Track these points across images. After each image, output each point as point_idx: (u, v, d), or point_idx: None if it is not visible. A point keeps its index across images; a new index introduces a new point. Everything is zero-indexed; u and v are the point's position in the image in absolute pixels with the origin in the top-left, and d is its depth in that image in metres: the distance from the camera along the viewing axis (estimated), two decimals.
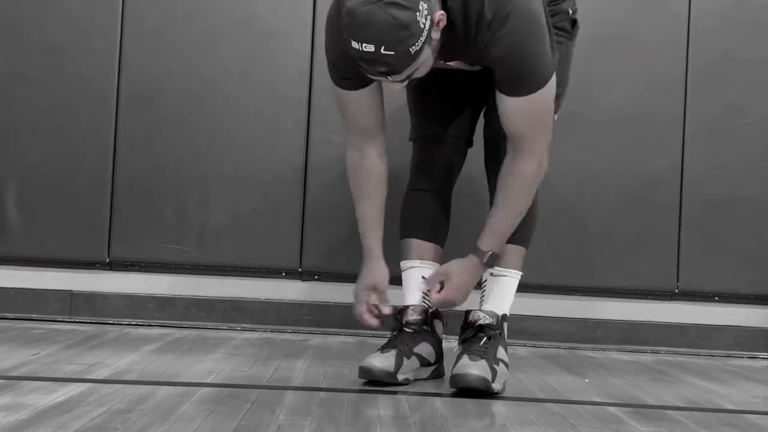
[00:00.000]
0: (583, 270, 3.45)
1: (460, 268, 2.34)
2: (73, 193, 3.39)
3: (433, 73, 2.23)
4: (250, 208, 3.42)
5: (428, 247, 2.51)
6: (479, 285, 2.45)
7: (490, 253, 2.32)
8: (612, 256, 3.45)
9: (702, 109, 3.49)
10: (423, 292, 2.42)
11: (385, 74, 2.09)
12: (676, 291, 3.47)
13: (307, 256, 3.43)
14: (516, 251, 2.45)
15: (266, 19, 3.46)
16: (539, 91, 2.21)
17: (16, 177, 3.39)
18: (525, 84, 2.20)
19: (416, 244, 2.50)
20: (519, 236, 2.43)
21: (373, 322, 2.38)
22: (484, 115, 2.54)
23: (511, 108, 2.23)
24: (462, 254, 2.36)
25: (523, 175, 2.29)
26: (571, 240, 3.43)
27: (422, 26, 2.03)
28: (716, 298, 3.50)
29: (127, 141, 3.42)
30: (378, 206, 2.42)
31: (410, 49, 2.03)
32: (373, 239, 2.41)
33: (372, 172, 2.41)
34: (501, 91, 2.23)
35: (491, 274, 2.43)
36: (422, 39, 2.04)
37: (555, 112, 2.52)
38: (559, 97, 2.51)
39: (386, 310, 2.37)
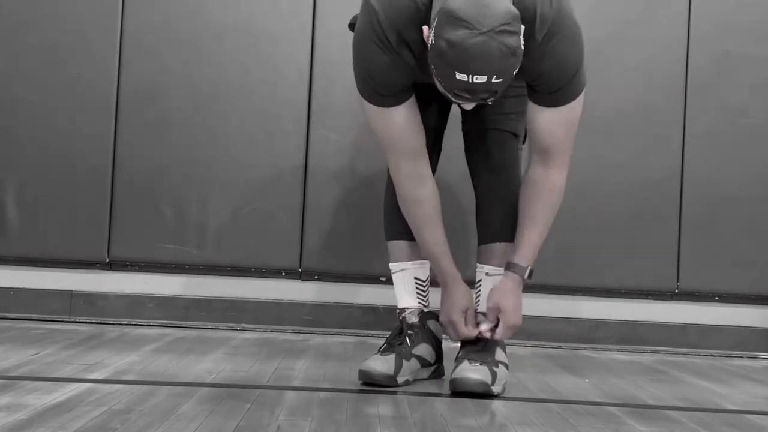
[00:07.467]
0: (583, 270, 3.45)
1: (505, 294, 2.31)
2: (73, 193, 3.39)
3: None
4: (250, 208, 3.42)
5: (417, 246, 2.45)
6: (473, 284, 2.45)
7: (529, 267, 2.32)
8: (612, 256, 3.45)
9: (702, 109, 3.49)
10: (481, 331, 2.34)
11: (485, 99, 2.01)
12: (677, 291, 3.47)
13: (307, 256, 3.42)
14: (511, 248, 2.39)
15: (266, 19, 3.45)
16: (577, 99, 2.21)
17: (16, 177, 3.39)
18: (568, 95, 2.19)
19: (405, 245, 2.48)
20: (512, 234, 2.41)
21: (472, 332, 2.33)
22: (461, 110, 2.43)
23: (549, 119, 2.21)
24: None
25: (555, 190, 2.30)
26: (571, 240, 3.42)
27: (522, 47, 1.98)
28: (716, 298, 3.50)
29: (127, 141, 3.41)
30: (443, 230, 2.36)
31: (514, 72, 1.99)
32: (449, 263, 2.36)
33: (433, 199, 2.33)
34: (540, 104, 2.21)
35: (486, 274, 2.42)
36: (522, 58, 1.99)
37: None
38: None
39: (483, 327, 2.33)
